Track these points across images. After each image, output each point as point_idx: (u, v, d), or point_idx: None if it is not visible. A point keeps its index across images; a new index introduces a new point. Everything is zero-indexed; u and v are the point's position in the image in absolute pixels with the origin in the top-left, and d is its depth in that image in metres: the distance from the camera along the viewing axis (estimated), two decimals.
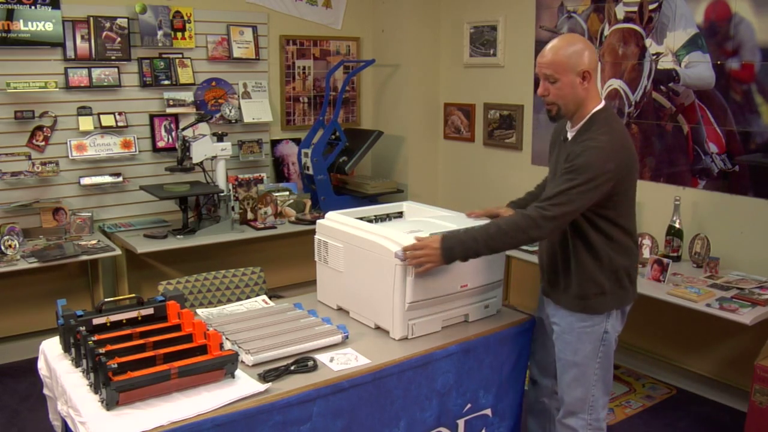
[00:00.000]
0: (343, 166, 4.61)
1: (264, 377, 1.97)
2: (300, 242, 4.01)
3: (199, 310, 2.56)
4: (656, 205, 3.71)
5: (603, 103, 2.20)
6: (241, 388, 1.90)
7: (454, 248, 2.14)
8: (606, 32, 3.88)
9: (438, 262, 2.15)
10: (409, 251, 2.17)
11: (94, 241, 3.77)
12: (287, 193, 4.53)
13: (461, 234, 2.16)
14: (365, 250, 2.37)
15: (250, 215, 4.25)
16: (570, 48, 2.12)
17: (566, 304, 2.30)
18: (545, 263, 2.40)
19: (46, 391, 2.17)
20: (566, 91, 2.14)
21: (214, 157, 4.05)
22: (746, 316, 2.81)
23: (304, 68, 4.86)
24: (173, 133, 4.29)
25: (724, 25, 3.35)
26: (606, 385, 2.34)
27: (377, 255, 2.31)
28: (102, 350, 1.86)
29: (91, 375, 1.87)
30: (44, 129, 3.89)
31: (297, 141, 4.83)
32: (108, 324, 2.12)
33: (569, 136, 2.23)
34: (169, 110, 4.27)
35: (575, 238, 2.23)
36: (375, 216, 2.74)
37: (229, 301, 2.88)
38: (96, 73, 4.00)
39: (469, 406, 2.39)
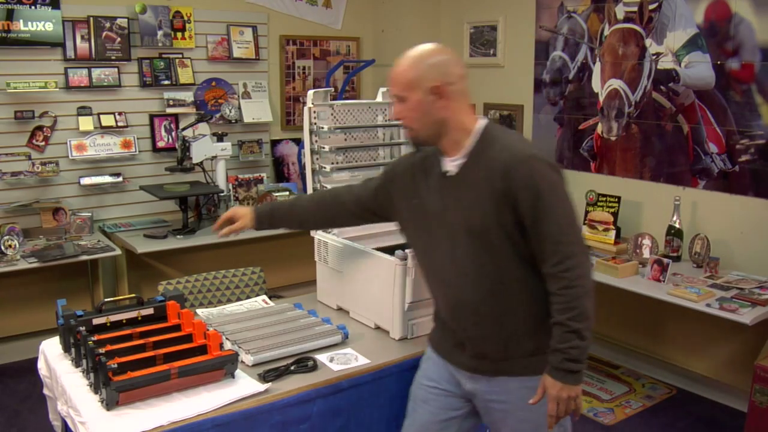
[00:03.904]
0: None
1: (264, 377, 1.97)
2: (300, 242, 3.99)
3: (199, 310, 2.56)
4: (656, 205, 3.72)
5: (485, 119, 1.82)
6: (241, 388, 1.90)
7: (580, 369, 1.72)
8: (606, 32, 3.88)
9: (578, 392, 1.73)
10: (554, 414, 1.73)
11: (94, 241, 3.77)
12: (287, 193, 4.52)
13: (568, 354, 1.69)
14: (365, 250, 2.37)
15: None
16: (420, 62, 1.75)
17: (521, 370, 1.81)
18: (469, 332, 1.86)
19: (46, 391, 2.17)
20: (417, 112, 1.76)
21: (214, 157, 4.05)
22: (746, 316, 2.81)
23: (304, 68, 4.86)
24: (173, 133, 4.29)
25: (724, 25, 3.34)
26: None
27: (377, 255, 2.31)
28: (102, 350, 1.86)
29: (91, 375, 1.87)
30: (44, 129, 3.89)
31: (297, 141, 4.83)
32: (108, 324, 2.12)
33: (452, 168, 1.80)
34: (169, 110, 4.27)
35: (518, 281, 1.78)
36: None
37: (229, 301, 2.88)
38: (96, 73, 4.00)
39: None
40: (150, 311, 2.20)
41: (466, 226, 1.76)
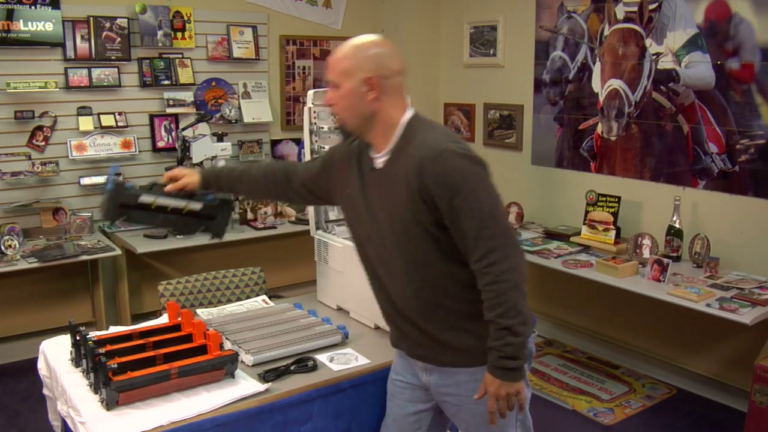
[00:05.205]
0: None
1: (264, 377, 1.97)
2: (300, 242, 4.00)
3: (199, 310, 2.56)
4: (656, 205, 3.71)
5: (411, 111, 1.80)
6: (241, 388, 1.90)
7: (518, 366, 1.69)
8: (606, 32, 3.88)
9: (519, 388, 1.71)
10: (494, 410, 1.72)
11: (94, 241, 3.77)
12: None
13: (502, 352, 1.67)
14: None
15: (250, 215, 4.25)
16: (358, 51, 1.75)
17: (464, 361, 1.79)
18: (404, 326, 1.86)
19: (46, 391, 2.17)
20: (348, 100, 1.75)
21: (214, 157, 4.04)
22: (746, 316, 2.81)
23: (304, 68, 4.86)
24: (173, 133, 4.29)
25: (724, 25, 3.34)
26: None
27: None
28: (102, 350, 1.86)
29: (91, 375, 1.87)
30: (44, 129, 3.89)
31: (297, 141, 4.82)
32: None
33: (378, 163, 1.79)
34: (169, 110, 4.27)
35: (447, 277, 1.75)
36: None
37: (229, 301, 2.88)
38: (96, 73, 4.00)
39: None
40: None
41: (389, 223, 1.76)
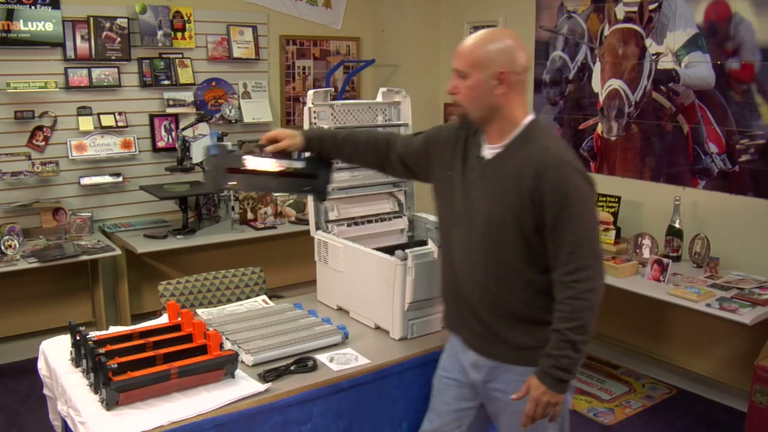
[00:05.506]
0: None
1: (264, 377, 1.97)
2: (300, 242, 4.00)
3: (199, 310, 2.55)
4: (656, 205, 3.72)
5: (533, 115, 1.83)
6: (241, 388, 1.90)
7: (568, 379, 1.75)
8: (606, 32, 3.88)
9: (560, 400, 1.76)
10: (531, 414, 1.77)
11: (94, 241, 3.77)
12: (287, 193, 4.52)
13: (558, 362, 1.71)
14: (365, 250, 2.38)
15: (250, 215, 4.25)
16: (491, 43, 1.74)
17: (516, 359, 1.84)
18: (464, 312, 1.91)
19: (46, 391, 2.17)
20: (475, 92, 1.76)
21: None
22: (746, 316, 2.81)
23: (304, 68, 4.86)
24: (173, 133, 4.29)
25: (724, 25, 3.35)
26: None
27: (377, 255, 2.31)
28: (102, 350, 1.86)
29: (91, 375, 1.87)
30: (44, 129, 3.89)
31: None
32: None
33: (488, 154, 1.82)
34: (169, 110, 4.26)
35: (523, 280, 1.80)
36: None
37: (229, 301, 2.88)
38: (96, 73, 4.00)
39: None
40: None
41: (486, 215, 1.79)
